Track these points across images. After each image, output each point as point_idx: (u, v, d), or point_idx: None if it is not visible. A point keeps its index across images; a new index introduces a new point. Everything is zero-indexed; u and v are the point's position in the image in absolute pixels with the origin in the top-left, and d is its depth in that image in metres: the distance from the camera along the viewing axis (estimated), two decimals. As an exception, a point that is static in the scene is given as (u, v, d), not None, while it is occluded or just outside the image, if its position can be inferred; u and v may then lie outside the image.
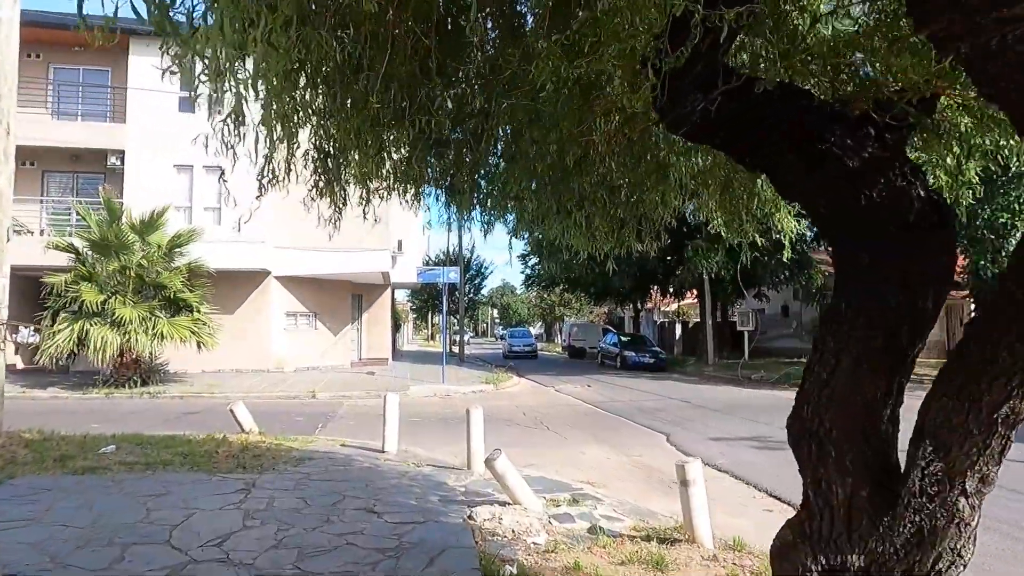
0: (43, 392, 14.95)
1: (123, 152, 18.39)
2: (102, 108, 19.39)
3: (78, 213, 16.19)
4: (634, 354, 25.84)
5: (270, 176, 3.70)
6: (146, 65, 18.55)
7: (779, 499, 6.51)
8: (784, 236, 4.39)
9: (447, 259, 32.53)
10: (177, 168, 18.77)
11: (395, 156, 3.63)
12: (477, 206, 4.23)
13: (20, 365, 19.00)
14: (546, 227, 4.46)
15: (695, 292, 34.20)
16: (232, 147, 3.18)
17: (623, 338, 28.79)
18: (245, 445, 7.56)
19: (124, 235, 15.43)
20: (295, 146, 3.49)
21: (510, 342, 37.01)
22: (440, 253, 39.26)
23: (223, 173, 18.90)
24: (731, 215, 4.17)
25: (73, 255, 15.71)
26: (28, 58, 19.25)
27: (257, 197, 3.81)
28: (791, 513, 6.06)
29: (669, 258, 26.44)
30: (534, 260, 34.91)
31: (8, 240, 7.80)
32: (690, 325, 38.34)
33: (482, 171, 3.94)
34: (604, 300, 35.60)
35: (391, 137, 3.41)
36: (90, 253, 15.61)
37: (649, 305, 38.71)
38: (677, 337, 36.96)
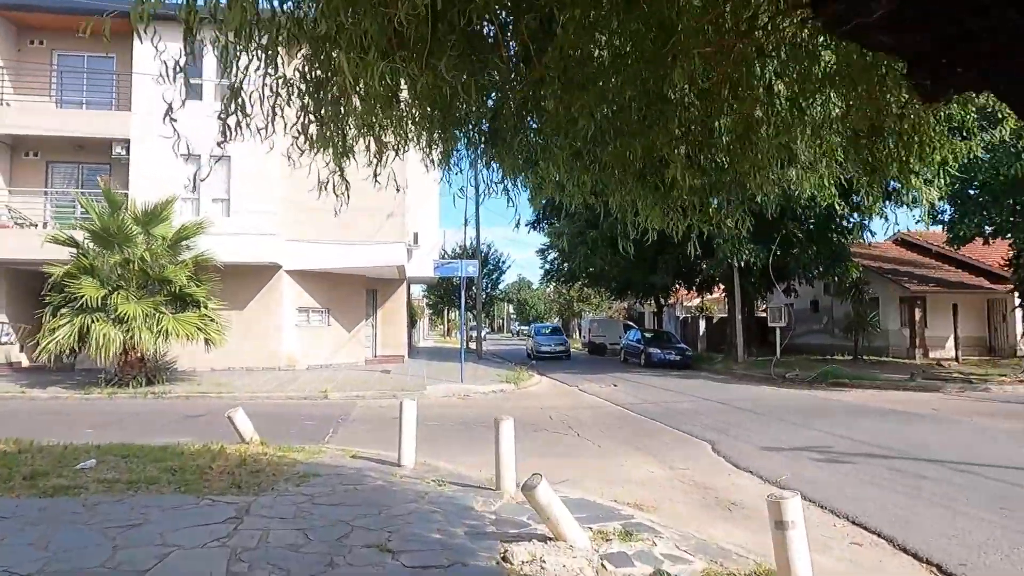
0: (43, 392, 14.23)
1: (128, 141, 17.63)
2: (107, 97, 18.67)
3: (80, 204, 15.44)
4: (659, 351, 24.77)
5: (238, 114, 2.76)
6: (151, 50, 17.74)
7: (865, 528, 5.50)
8: (920, 202, 3.39)
9: (464, 253, 31.62)
10: (184, 158, 17.89)
11: (417, 84, 2.66)
12: (520, 165, 3.24)
13: (25, 363, 18.39)
14: (612, 192, 3.44)
15: (721, 287, 33.11)
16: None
17: (647, 334, 27.72)
18: (243, 458, 6.68)
19: (126, 226, 14.66)
20: (275, 72, 2.56)
21: (537, 340, 31.39)
22: (456, 247, 38.41)
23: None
24: (877, 169, 3.16)
25: (74, 248, 15.00)
26: (31, 44, 18.64)
27: (220, 144, 2.87)
28: (884, 548, 5.04)
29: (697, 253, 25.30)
30: (553, 255, 33.92)
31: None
32: (714, 321, 37.18)
33: (532, 114, 2.95)
34: (626, 295, 34.49)
35: (414, 54, 2.45)
36: (91, 245, 14.87)
37: (672, 300, 37.55)
38: (701, 333, 35.80)
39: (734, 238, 20.56)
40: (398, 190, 4.48)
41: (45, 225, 17.69)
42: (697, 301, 43.38)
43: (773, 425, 10.93)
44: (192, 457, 6.64)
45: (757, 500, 6.28)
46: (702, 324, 36.76)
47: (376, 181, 3.62)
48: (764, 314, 37.60)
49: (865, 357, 24.95)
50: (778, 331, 23.24)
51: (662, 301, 34.23)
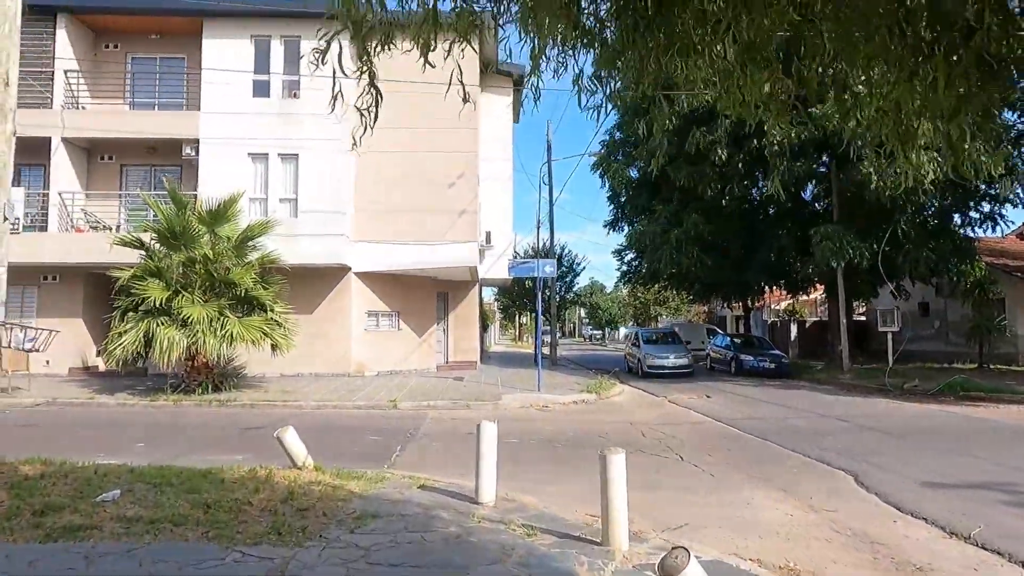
0: (111, 398, 13.84)
1: (197, 142, 17.27)
2: (178, 98, 18.42)
3: (147, 203, 15.06)
4: (751, 358, 22.67)
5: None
6: (219, 48, 17.40)
7: None
8: None
9: (538, 254, 30.32)
10: (252, 157, 17.49)
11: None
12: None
13: (101, 367, 18.33)
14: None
15: (819, 287, 30.49)
16: None
17: (735, 339, 25.58)
18: (291, 490, 5.56)
19: (191, 226, 14.11)
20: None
21: (647, 352, 22.37)
22: (529, 249, 37.20)
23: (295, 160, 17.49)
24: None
25: (141, 250, 14.61)
26: (106, 48, 18.61)
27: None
28: None
29: (793, 251, 23.16)
30: (631, 255, 32.13)
31: (6, 220, 6.15)
32: (807, 325, 34.43)
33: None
34: (711, 297, 32.31)
35: None
36: (158, 247, 14.42)
37: (759, 303, 35.01)
38: (793, 338, 33.15)
39: (836, 235, 18.45)
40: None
41: (118, 228, 17.55)
42: (786, 304, 40.55)
43: (920, 451, 9.04)
44: (232, 487, 5.57)
45: (958, 568, 4.64)
46: (793, 328, 34.08)
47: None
48: (862, 317, 34.64)
49: (992, 366, 22.06)
50: (890, 336, 20.75)
51: (750, 303, 31.83)
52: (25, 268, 17.36)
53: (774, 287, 29.07)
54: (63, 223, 17.26)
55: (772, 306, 40.11)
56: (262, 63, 17.64)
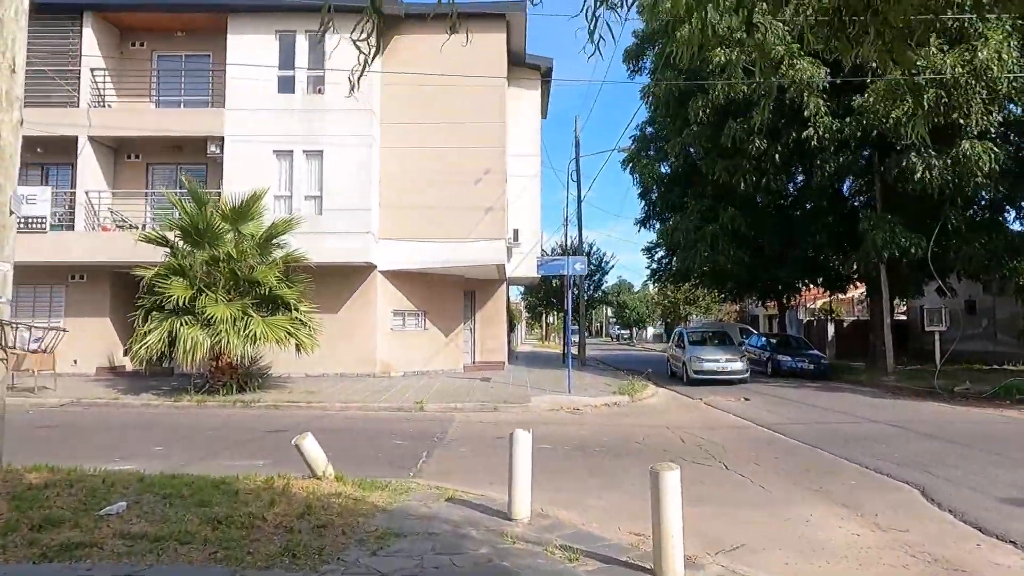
0: (135, 399, 13.65)
1: (222, 139, 17.07)
2: (204, 96, 18.26)
3: (170, 201, 14.87)
4: (789, 359, 21.82)
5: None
6: (244, 44, 17.17)
7: None
8: None
9: (566, 252, 29.76)
10: (277, 154, 17.23)
11: None
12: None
13: (129, 367, 18.25)
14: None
15: (857, 285, 29.47)
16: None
17: (771, 339, 24.71)
18: (309, 503, 5.13)
19: (214, 224, 13.87)
20: None
21: (694, 354, 18.97)
22: (557, 247, 36.64)
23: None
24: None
25: (166, 247, 14.42)
26: (132, 47, 18.53)
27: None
28: None
29: (833, 245, 22.27)
30: (661, 253, 31.37)
31: (12, 214, 5.84)
32: (844, 324, 33.33)
33: None
34: (747, 294, 31.38)
35: None
36: (182, 244, 14.21)
37: (795, 301, 33.95)
38: (829, 338, 32.09)
39: (886, 223, 17.58)
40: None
41: (144, 227, 17.42)
42: (821, 302, 39.38)
43: (990, 462, 8.32)
44: (246, 500, 5.16)
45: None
46: (830, 328, 33.01)
47: None
48: (903, 317, 33.38)
49: (1046, 367, 20.94)
50: (937, 336, 19.77)
51: (785, 302, 30.84)
52: (53, 267, 17.38)
53: (811, 285, 28.11)
54: (89, 222, 17.19)
55: (807, 305, 38.95)
56: (287, 59, 17.38)
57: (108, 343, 17.99)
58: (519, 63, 20.89)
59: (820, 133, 17.11)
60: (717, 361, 18.53)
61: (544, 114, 25.35)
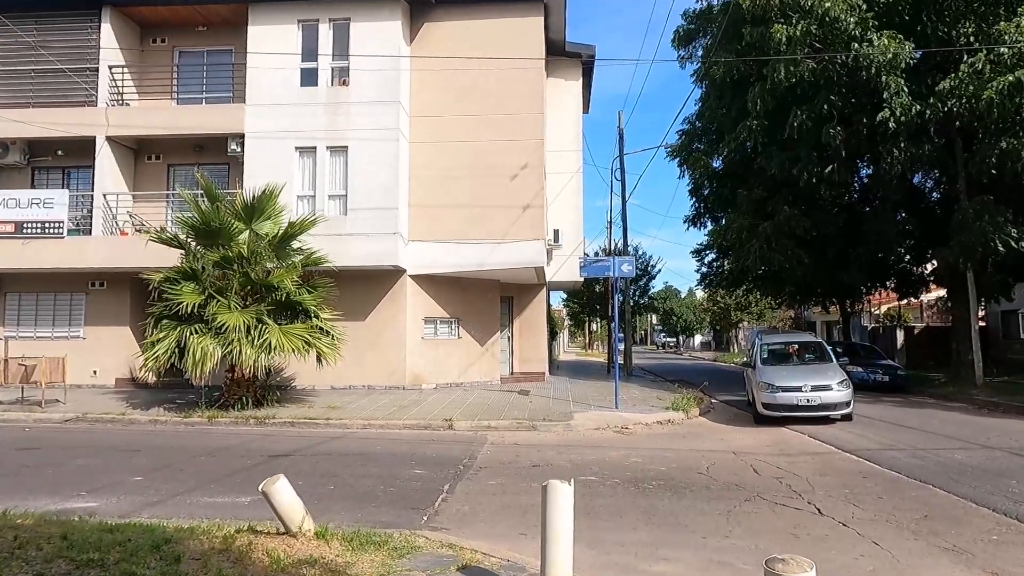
0: (144, 414, 12.63)
1: (242, 136, 16.10)
2: (225, 92, 17.35)
3: (183, 197, 13.91)
4: (860, 369, 19.62)
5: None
6: (265, 36, 16.19)
7: None
8: None
9: (610, 253, 28.08)
10: (299, 151, 16.16)
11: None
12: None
13: (152, 378, 17.40)
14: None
15: (932, 287, 27.04)
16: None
17: (838, 349, 22.52)
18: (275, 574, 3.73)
19: (227, 222, 12.79)
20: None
21: (765, 378, 12.87)
22: (600, 251, 34.99)
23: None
24: None
25: (179, 249, 13.43)
26: (153, 43, 17.79)
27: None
28: None
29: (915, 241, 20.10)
30: (711, 255, 29.41)
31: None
32: (915, 331, 30.69)
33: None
34: (808, 300, 29.16)
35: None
36: (194, 245, 13.20)
37: (859, 306, 31.46)
38: (899, 346, 29.54)
39: (990, 211, 15.49)
40: None
41: (161, 230, 16.54)
42: (886, 307, 36.68)
43: None
44: (187, 572, 3.78)
45: None
46: (899, 335, 30.43)
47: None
48: (981, 323, 30.58)
49: None
50: (1034, 344, 17.43)
51: (849, 307, 28.50)
52: (72, 274, 16.67)
53: (880, 288, 25.79)
54: (107, 226, 16.41)
55: (871, 311, 36.32)
56: (310, 50, 16.32)
57: (128, 353, 17.14)
58: (558, 52, 19.46)
59: (897, 115, 15.14)
60: (800, 389, 12.42)
61: (586, 108, 23.84)
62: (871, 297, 31.87)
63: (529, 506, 6.43)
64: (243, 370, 12.93)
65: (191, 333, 12.19)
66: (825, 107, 16.33)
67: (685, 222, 25.18)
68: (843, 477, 8.06)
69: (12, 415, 12.57)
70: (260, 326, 12.54)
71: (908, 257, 23.23)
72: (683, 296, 74.28)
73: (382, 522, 5.76)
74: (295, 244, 13.70)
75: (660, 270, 78.70)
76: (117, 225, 16.54)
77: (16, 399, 13.64)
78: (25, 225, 15.89)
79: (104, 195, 16.39)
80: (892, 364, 20.61)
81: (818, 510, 6.53)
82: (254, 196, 13.09)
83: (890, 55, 14.64)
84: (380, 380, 16.43)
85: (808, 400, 12.30)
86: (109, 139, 16.42)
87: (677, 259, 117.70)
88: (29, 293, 17.37)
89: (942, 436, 11.00)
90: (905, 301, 30.84)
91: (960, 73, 14.47)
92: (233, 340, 12.13)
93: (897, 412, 14.34)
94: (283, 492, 4.45)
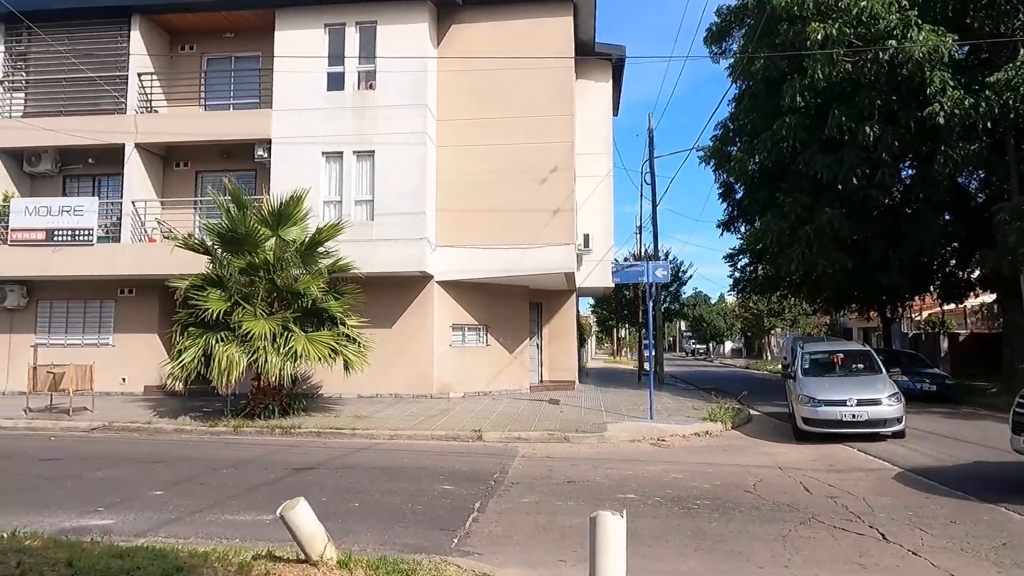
0: (171, 423, 12.47)
1: (269, 142, 15.98)
2: (252, 98, 17.27)
3: (214, 200, 13.82)
4: (906, 379, 18.68)
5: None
6: (292, 40, 16.08)
7: None
8: None
9: (641, 259, 27.51)
10: (326, 156, 15.98)
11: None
12: None
13: (179, 387, 17.33)
14: None
15: (978, 291, 25.94)
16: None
17: (880, 357, 21.60)
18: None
19: (253, 228, 12.60)
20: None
21: (806, 390, 11.81)
22: (630, 256, 34.41)
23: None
24: None
25: (206, 255, 13.30)
26: (182, 51, 17.81)
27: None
28: None
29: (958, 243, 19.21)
30: (745, 260, 28.62)
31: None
32: (960, 339, 29.52)
33: None
34: (847, 305, 28.21)
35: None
36: (220, 252, 13.04)
37: (899, 312, 30.37)
38: (943, 354, 28.41)
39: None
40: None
41: (190, 237, 16.49)
42: (928, 313, 35.44)
43: None
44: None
45: None
46: (943, 342, 29.30)
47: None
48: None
49: None
50: (1095, 353, 16.48)
51: (890, 313, 27.47)
52: (102, 281, 16.69)
53: (925, 294, 24.79)
54: (136, 233, 16.40)
55: (912, 317, 35.12)
56: (336, 54, 16.15)
57: (156, 360, 17.04)
58: (588, 52, 19.05)
59: (948, 110, 14.41)
60: (845, 403, 11.33)
61: (615, 111, 23.38)
62: (912, 303, 30.75)
63: (567, 528, 6.00)
64: (269, 378, 12.70)
65: (217, 341, 12.01)
66: (867, 103, 15.66)
67: (719, 226, 24.55)
68: (904, 497, 7.46)
69: (40, 423, 12.50)
70: (286, 333, 12.32)
71: (953, 261, 22.29)
72: (713, 302, 73.03)
73: (410, 545, 5.39)
74: (321, 250, 13.49)
75: (691, 276, 77.51)
76: (146, 232, 16.53)
77: (45, 407, 13.60)
78: (55, 233, 15.95)
79: (133, 202, 16.39)
80: (939, 373, 19.72)
81: (882, 535, 5.98)
82: (280, 202, 12.90)
83: (929, 47, 13.96)
84: (407, 388, 16.12)
85: (854, 415, 11.25)
86: (138, 146, 16.43)
87: (707, 264, 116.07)
88: (59, 301, 17.45)
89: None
90: (950, 306, 29.73)
91: (1017, 63, 13.74)
92: (259, 348, 11.92)
93: (949, 424, 13.59)
94: (303, 517, 4.09)
